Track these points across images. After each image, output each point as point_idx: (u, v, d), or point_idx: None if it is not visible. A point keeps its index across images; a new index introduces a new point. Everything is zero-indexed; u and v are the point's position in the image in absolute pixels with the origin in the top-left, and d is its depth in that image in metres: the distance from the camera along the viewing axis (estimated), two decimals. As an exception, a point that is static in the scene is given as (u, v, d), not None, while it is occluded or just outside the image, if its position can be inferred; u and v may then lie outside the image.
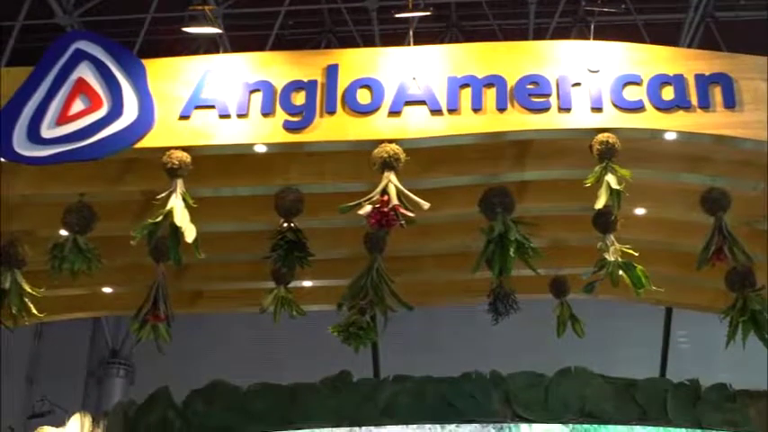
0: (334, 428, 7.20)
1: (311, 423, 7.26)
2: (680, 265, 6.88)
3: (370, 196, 4.94)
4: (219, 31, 10.20)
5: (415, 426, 7.03)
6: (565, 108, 5.34)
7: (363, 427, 7.13)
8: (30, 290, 5.97)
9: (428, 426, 7.05)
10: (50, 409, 10.93)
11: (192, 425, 7.48)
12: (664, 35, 10.50)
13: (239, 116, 5.43)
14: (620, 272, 5.29)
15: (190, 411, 7.53)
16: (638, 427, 7.12)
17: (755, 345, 5.91)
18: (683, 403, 7.19)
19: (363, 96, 5.39)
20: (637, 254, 5.37)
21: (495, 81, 5.39)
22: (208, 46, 11.22)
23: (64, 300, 7.53)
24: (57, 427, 8.22)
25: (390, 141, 5.21)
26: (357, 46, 11.13)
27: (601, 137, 5.22)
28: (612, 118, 5.31)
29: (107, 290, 7.58)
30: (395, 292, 5.84)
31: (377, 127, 5.31)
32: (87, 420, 8.07)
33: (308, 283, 7.24)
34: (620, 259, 5.31)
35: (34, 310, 6.02)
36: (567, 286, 6.85)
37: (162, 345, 6.19)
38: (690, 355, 10.72)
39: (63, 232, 5.79)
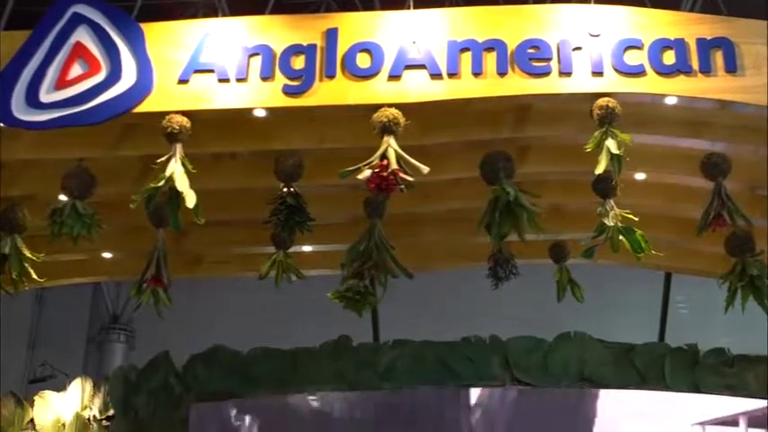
0: (333, 392, 7.25)
1: (311, 387, 7.30)
2: (679, 230, 6.89)
3: (369, 161, 4.92)
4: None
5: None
6: (565, 72, 5.31)
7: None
8: (30, 255, 5.97)
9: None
10: (51, 374, 10.98)
11: (192, 389, 7.52)
12: (665, -1, 10.44)
13: (238, 80, 5.41)
14: (620, 237, 5.29)
15: (190, 376, 7.56)
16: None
17: (754, 310, 5.92)
18: (682, 368, 7.23)
19: (363, 60, 5.36)
20: (636, 219, 5.36)
21: (495, 45, 5.37)
22: (206, 10, 11.17)
23: (64, 265, 7.55)
24: (58, 391, 8.27)
25: (390, 106, 5.18)
26: (357, 9, 11.06)
27: (601, 101, 5.20)
28: (613, 82, 5.28)
29: (107, 255, 7.59)
30: (395, 258, 5.84)
31: (376, 91, 5.29)
32: (88, 385, 8.12)
33: (307, 248, 7.25)
34: (619, 224, 5.30)
35: (34, 275, 6.02)
36: (566, 251, 6.85)
37: (162, 310, 6.21)
38: (688, 321, 10.75)
39: (62, 197, 5.78)
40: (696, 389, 7.23)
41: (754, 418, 7.14)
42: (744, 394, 7.27)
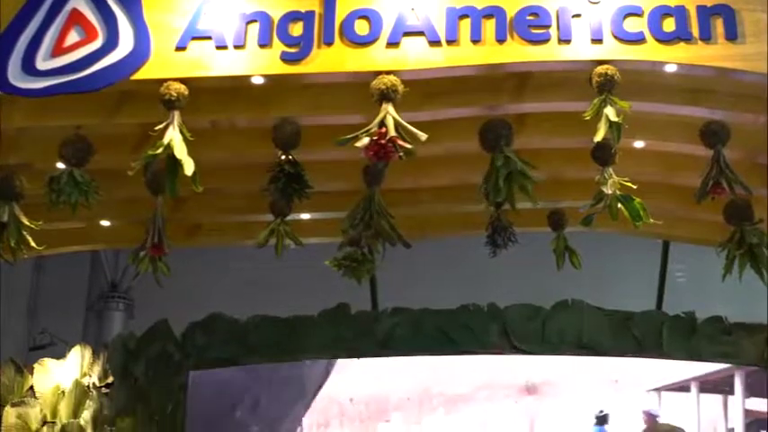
0: (332, 360, 7.29)
1: (309, 354, 7.34)
2: (678, 198, 6.88)
3: (367, 128, 4.90)
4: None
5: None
6: (565, 39, 5.27)
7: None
8: (28, 223, 5.96)
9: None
10: (51, 342, 11.00)
11: (191, 357, 7.56)
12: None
13: (236, 47, 5.37)
14: (619, 205, 5.28)
15: (189, 344, 7.60)
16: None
17: (752, 279, 5.92)
18: (679, 335, 7.27)
19: (361, 27, 5.32)
20: (635, 187, 5.35)
21: (494, 12, 5.32)
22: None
23: (62, 233, 7.54)
24: (57, 359, 8.30)
25: (388, 73, 5.15)
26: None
27: (600, 69, 5.16)
28: (613, 49, 5.25)
29: (105, 223, 7.58)
30: (393, 226, 5.84)
31: (375, 58, 5.26)
32: (87, 352, 8.15)
33: (306, 216, 7.25)
34: (618, 192, 5.29)
35: (33, 244, 6.02)
36: (564, 219, 6.84)
37: (161, 278, 6.21)
38: (686, 289, 10.76)
39: (60, 165, 5.77)
40: (693, 356, 7.28)
41: (707, 383, 7.23)
42: (741, 362, 7.32)
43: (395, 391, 7.56)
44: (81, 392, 8.03)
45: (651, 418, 7.27)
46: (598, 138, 5.04)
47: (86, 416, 7.92)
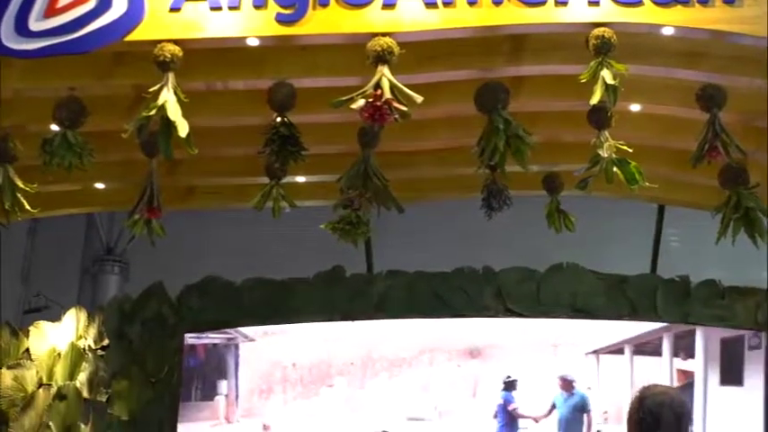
0: (326, 322, 7.31)
1: (304, 317, 7.36)
2: (674, 162, 6.87)
3: (362, 90, 4.88)
4: None
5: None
6: (561, 2, 5.23)
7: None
8: (22, 185, 5.95)
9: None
10: (46, 305, 11.00)
11: (186, 319, 7.57)
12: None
13: (231, 8, 5.32)
14: (614, 168, 5.27)
15: (184, 306, 7.62)
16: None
17: (747, 244, 5.92)
18: (673, 299, 7.30)
19: (357, -12, 5.29)
20: (631, 150, 5.34)
21: (491, -27, 5.28)
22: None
23: (57, 195, 7.53)
24: (53, 322, 8.31)
25: (384, 35, 5.12)
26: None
27: (597, 31, 5.13)
28: (609, 12, 5.21)
29: (100, 185, 7.56)
30: (388, 189, 5.83)
31: (370, 20, 5.21)
32: (83, 315, 8.16)
33: (301, 179, 7.24)
34: (614, 155, 5.28)
35: (27, 206, 6.01)
36: (560, 183, 6.84)
37: (156, 241, 6.20)
38: (680, 254, 10.79)
39: (54, 127, 5.74)
40: (687, 320, 7.31)
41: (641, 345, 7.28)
42: (734, 325, 7.35)
43: (338, 356, 7.57)
44: (77, 355, 8.05)
45: (567, 384, 7.33)
46: (594, 100, 5.02)
47: (82, 378, 7.96)
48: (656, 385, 3.98)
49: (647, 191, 5.58)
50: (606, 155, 5.27)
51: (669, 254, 10.09)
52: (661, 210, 9.71)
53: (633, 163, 5.27)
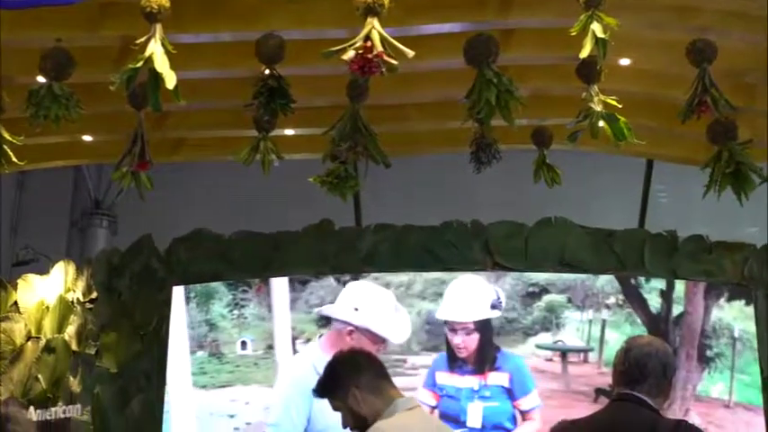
0: (316, 276, 7.32)
1: (293, 270, 7.37)
2: (663, 117, 6.87)
3: (352, 41, 4.85)
4: None
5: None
6: (551, -46, 5.21)
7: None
8: (9, 137, 5.90)
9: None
10: (34, 258, 10.98)
11: (175, 272, 7.57)
12: None
13: (219, -41, 5.29)
14: (602, 123, 5.26)
15: (173, 259, 7.62)
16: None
17: (735, 200, 5.92)
18: (660, 254, 7.32)
19: (345, -62, 5.23)
20: (620, 106, 5.33)
21: (480, -77, 5.25)
22: None
23: (45, 148, 7.50)
24: (41, 274, 8.31)
25: (373, -14, 5.07)
26: None
27: (587, -17, 5.09)
28: (600, -36, 5.17)
29: (87, 138, 7.53)
30: (376, 143, 5.81)
31: (359, -30, 5.17)
32: (71, 268, 8.16)
33: (290, 132, 7.22)
34: (603, 110, 5.27)
35: (14, 159, 5.97)
36: (549, 136, 6.83)
37: (144, 194, 6.18)
38: (669, 209, 10.81)
39: (40, 79, 5.70)
40: (674, 274, 7.35)
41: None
42: (721, 280, 7.39)
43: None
44: (65, 308, 8.06)
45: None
46: (584, 54, 4.99)
47: (71, 331, 7.97)
48: (641, 336, 4.04)
49: (636, 146, 5.57)
50: (599, 108, 5.25)
51: (658, 210, 10.12)
52: (649, 165, 9.73)
53: (622, 119, 5.26)
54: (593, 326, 7.37)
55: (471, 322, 7.10)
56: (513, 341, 7.28)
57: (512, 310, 7.30)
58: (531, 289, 7.33)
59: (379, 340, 6.96)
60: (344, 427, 3.80)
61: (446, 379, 7.11)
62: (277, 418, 6.94)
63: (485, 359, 7.10)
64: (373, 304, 7.02)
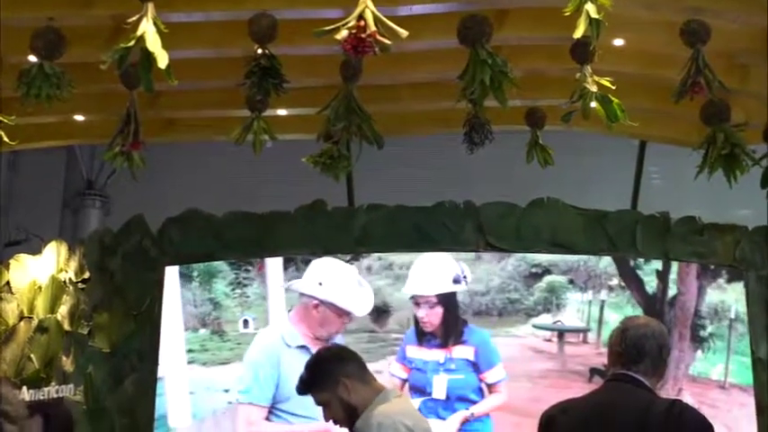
0: (308, 256, 7.32)
1: (286, 250, 7.37)
2: (656, 97, 6.87)
3: (346, 21, 4.83)
4: None
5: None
6: (546, -67, 5.19)
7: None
8: (1, 118, 5.88)
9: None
10: (26, 237, 10.98)
11: (167, 252, 7.56)
12: None
13: (212, -62, 5.26)
14: (595, 104, 5.24)
15: (165, 239, 7.60)
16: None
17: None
18: (653, 235, 7.33)
19: None
20: (614, 87, 5.31)
21: None
22: None
23: (37, 128, 7.48)
24: (33, 254, 8.30)
25: (367, -35, 5.04)
26: None
27: (581, -37, 5.07)
28: (594, -57, 5.15)
29: (79, 118, 7.50)
30: (370, 123, 5.79)
31: (353, -52, 5.15)
32: (63, 248, 8.15)
33: (282, 112, 7.20)
34: (596, 90, 5.25)
35: (6, 139, 5.95)
36: (542, 117, 6.81)
37: (137, 174, 6.16)
38: (662, 191, 10.82)
39: (32, 58, 5.67)
40: (666, 256, 7.36)
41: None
42: (712, 261, 7.41)
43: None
44: (58, 288, 8.06)
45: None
46: (577, 35, 4.98)
47: (63, 311, 7.97)
48: (637, 317, 4.06)
49: (629, 127, 5.56)
50: (594, 89, 5.24)
51: (650, 191, 10.12)
52: (642, 146, 9.72)
53: (616, 101, 5.24)
54: (593, 307, 7.42)
55: (433, 296, 7.20)
56: (516, 321, 7.37)
57: (514, 291, 7.38)
58: (533, 270, 7.41)
59: (344, 313, 7.08)
60: (327, 420, 3.86)
61: (415, 352, 7.24)
62: (246, 385, 7.09)
63: (450, 333, 7.20)
64: (337, 279, 7.15)
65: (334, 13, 5.21)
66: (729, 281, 7.48)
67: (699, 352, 7.39)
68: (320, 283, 7.07)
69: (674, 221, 7.44)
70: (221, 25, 6.16)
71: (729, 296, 7.48)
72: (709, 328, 7.41)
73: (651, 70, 6.72)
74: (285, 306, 7.37)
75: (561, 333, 7.40)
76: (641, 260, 7.40)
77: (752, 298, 7.34)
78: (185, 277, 7.66)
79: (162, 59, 4.97)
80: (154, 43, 4.93)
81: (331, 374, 3.79)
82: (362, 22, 4.74)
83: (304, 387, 3.87)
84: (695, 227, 7.48)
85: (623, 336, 3.67)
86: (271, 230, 7.44)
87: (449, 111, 6.49)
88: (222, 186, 11.09)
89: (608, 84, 5.26)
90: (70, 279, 8.03)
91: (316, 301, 7.01)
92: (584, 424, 3.63)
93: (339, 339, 7.01)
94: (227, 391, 7.43)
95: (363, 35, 4.69)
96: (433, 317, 7.18)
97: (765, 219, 7.35)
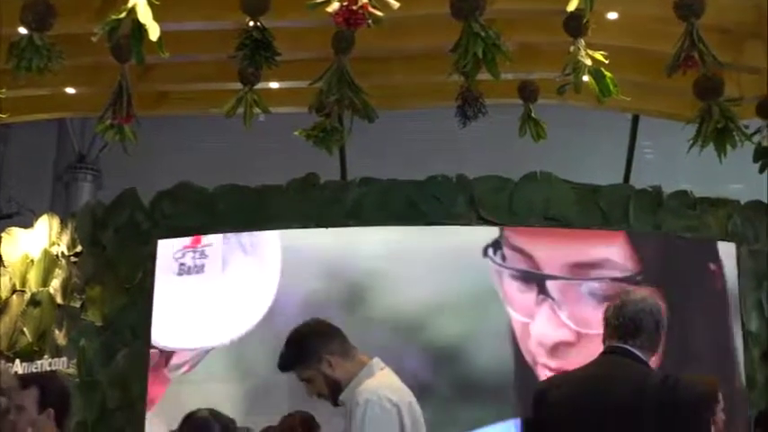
0: (300, 229, 7.31)
1: (278, 224, 7.36)
2: (649, 71, 6.85)
3: (338, -7, 4.80)
4: None
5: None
6: None
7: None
8: (-9, 90, 5.86)
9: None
10: (18, 211, 10.96)
11: (159, 225, 7.55)
12: None
13: None
14: (588, 78, 5.22)
15: (157, 212, 7.58)
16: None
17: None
18: (645, 209, 7.34)
19: None
20: (607, 61, 5.29)
21: None
22: None
23: (28, 100, 7.45)
24: (25, 228, 8.28)
25: (360, -63, 5.00)
26: None
27: (575, -65, 5.04)
28: None
29: (70, 90, 7.47)
30: (362, 96, 5.77)
31: None
32: (55, 222, 8.13)
33: (274, 85, 7.17)
34: (590, 64, 5.23)
35: (-3, 111, 5.93)
36: (535, 90, 6.78)
37: (128, 148, 6.13)
38: (654, 166, 10.83)
39: (22, 30, 5.62)
40: (658, 229, 7.38)
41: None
42: (704, 235, 7.43)
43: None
44: (50, 261, 8.04)
45: None
46: (571, 7, 4.96)
47: (55, 284, 7.96)
48: (634, 291, 4.06)
49: (622, 101, 5.55)
50: (589, 62, 5.22)
51: (643, 166, 10.14)
52: (635, 120, 9.72)
53: (609, 75, 5.22)
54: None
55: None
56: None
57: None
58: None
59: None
60: (310, 395, 3.84)
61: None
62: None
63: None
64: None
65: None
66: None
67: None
68: None
69: (667, 195, 7.45)
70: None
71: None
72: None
73: (644, 44, 6.70)
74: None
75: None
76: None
77: (743, 272, 7.36)
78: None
79: (153, 32, 4.94)
80: (145, 15, 4.90)
81: (314, 351, 3.75)
82: (354, -6, 4.72)
83: (286, 364, 3.84)
84: (688, 201, 7.49)
85: (621, 310, 3.67)
86: (263, 204, 7.42)
87: (441, 84, 6.46)
88: (214, 159, 11.08)
89: (601, 57, 5.24)
90: (62, 252, 8.01)
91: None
92: (581, 397, 3.63)
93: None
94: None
95: (355, 7, 4.67)
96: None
97: (757, 193, 7.37)
